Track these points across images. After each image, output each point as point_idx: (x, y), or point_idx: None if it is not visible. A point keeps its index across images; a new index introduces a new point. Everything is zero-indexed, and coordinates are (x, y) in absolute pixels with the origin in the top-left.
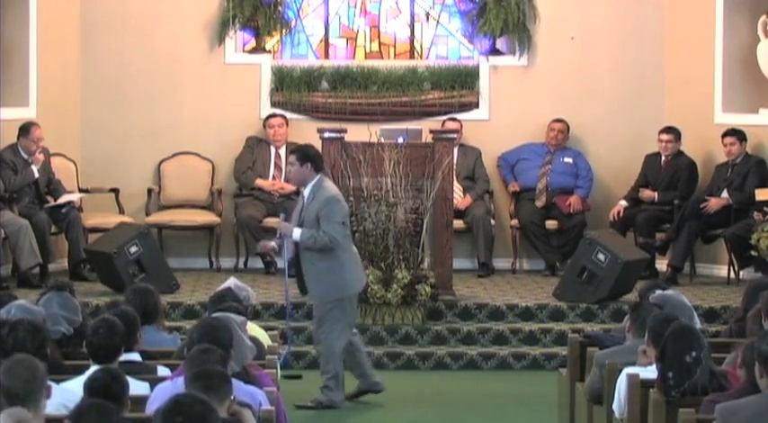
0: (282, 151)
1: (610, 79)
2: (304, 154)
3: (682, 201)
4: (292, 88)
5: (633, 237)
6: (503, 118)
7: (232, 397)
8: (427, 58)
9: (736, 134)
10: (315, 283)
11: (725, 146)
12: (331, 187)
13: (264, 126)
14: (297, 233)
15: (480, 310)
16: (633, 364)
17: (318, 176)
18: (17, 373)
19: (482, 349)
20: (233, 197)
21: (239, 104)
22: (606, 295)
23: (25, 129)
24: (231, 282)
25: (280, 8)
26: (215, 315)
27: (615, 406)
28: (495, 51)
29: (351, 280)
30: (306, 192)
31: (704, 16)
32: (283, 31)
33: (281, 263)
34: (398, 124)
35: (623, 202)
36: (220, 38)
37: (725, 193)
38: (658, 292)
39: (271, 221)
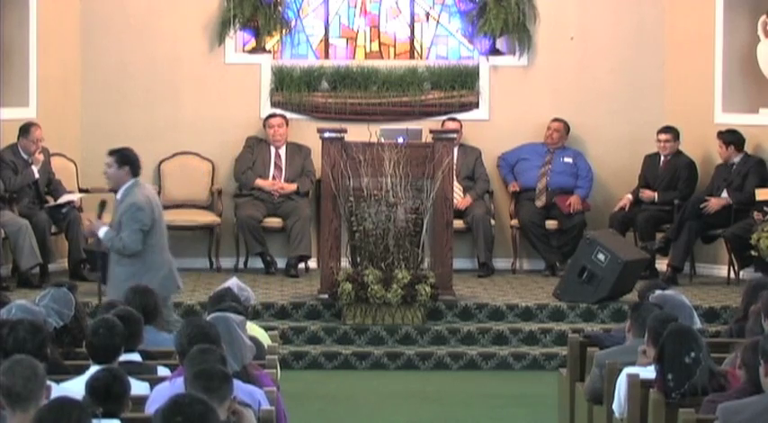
0: (282, 151)
1: (610, 79)
2: (123, 156)
3: (682, 201)
4: (292, 88)
5: (633, 237)
6: (503, 118)
7: (233, 396)
8: (427, 58)
9: (722, 137)
10: (113, 287)
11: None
12: (140, 194)
13: (264, 126)
14: (102, 231)
15: (480, 310)
16: (633, 364)
17: (133, 181)
18: (18, 373)
19: (482, 349)
20: (233, 197)
21: (239, 104)
22: (606, 295)
23: (25, 129)
24: (233, 282)
25: (280, 8)
26: (212, 315)
27: (615, 406)
28: (495, 51)
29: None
30: (119, 194)
31: (704, 16)
32: (283, 31)
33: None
34: (398, 124)
35: (629, 196)
36: (220, 38)
37: (725, 193)
38: (658, 292)
39: (271, 221)
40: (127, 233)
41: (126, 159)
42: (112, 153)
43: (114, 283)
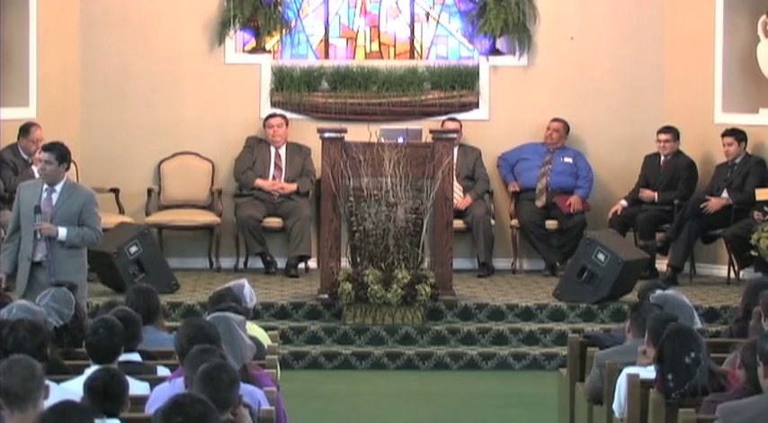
0: (282, 151)
1: (610, 79)
2: (62, 155)
3: (682, 201)
4: (292, 88)
5: (633, 237)
6: (503, 118)
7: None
8: (427, 58)
9: (735, 134)
10: (66, 279)
11: (724, 146)
12: (84, 185)
13: (264, 126)
14: (63, 233)
15: (480, 310)
16: (633, 364)
17: (66, 174)
18: (15, 373)
19: (482, 349)
20: (233, 197)
21: (239, 104)
22: (606, 295)
23: (25, 129)
24: (246, 287)
25: (280, 8)
26: (212, 315)
27: (615, 406)
28: (495, 51)
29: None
30: (58, 188)
31: (704, 16)
32: (283, 31)
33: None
34: (398, 124)
35: (623, 202)
36: (220, 38)
37: (725, 193)
38: (658, 292)
39: (271, 221)
40: (95, 222)
41: (65, 157)
42: (51, 149)
43: (67, 275)
